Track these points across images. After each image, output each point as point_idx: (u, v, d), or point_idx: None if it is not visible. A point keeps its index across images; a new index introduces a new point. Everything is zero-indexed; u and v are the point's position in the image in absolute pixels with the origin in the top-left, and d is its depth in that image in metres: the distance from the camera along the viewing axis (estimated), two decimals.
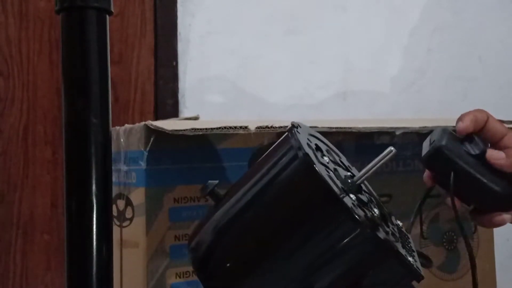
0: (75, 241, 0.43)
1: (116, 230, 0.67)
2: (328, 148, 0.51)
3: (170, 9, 1.47)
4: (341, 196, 0.41)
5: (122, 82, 1.43)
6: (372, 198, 0.51)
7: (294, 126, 0.46)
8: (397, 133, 0.81)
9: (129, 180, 0.67)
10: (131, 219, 0.66)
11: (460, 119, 0.56)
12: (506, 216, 0.56)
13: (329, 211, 0.41)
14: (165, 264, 0.64)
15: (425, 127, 0.80)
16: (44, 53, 1.38)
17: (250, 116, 1.45)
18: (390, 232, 0.44)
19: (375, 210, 0.46)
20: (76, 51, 0.44)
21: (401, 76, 1.59)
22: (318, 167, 0.41)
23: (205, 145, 0.68)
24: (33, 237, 1.37)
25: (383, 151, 0.48)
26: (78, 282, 0.43)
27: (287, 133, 0.45)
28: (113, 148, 0.60)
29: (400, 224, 0.53)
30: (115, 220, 0.68)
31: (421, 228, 0.82)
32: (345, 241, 0.40)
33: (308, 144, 0.45)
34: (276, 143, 0.46)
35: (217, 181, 0.46)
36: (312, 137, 0.50)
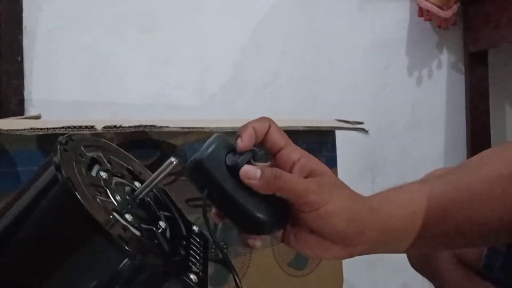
0: None
1: None
2: (112, 158, 0.50)
3: (14, 1, 1.38)
4: (109, 224, 0.38)
5: None
6: (168, 208, 0.51)
7: (61, 142, 0.43)
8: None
9: None
10: None
11: (239, 134, 0.54)
12: (257, 242, 0.54)
13: (94, 241, 0.38)
14: None
15: None
16: None
17: (104, 115, 1.41)
18: (169, 250, 0.43)
19: (161, 224, 0.45)
20: None
21: (257, 77, 1.65)
22: (81, 193, 0.38)
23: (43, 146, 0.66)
24: None
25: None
26: None
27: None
28: None
29: (196, 230, 0.53)
30: None
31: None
32: (116, 271, 0.38)
33: (77, 160, 0.42)
34: (46, 159, 0.42)
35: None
36: (91, 147, 0.48)
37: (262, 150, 0.57)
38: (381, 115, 1.81)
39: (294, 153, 0.55)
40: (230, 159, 0.52)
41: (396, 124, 1.85)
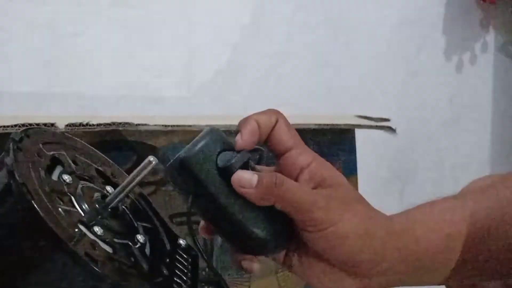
0: None
1: None
2: (77, 157, 0.50)
3: None
4: (73, 239, 0.39)
5: None
6: (148, 217, 0.52)
7: (14, 140, 0.43)
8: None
9: None
10: None
11: (239, 128, 0.53)
12: (254, 265, 0.54)
13: (56, 260, 0.38)
14: None
15: None
16: None
17: (67, 110, 1.41)
18: (149, 269, 0.43)
19: (139, 237, 0.46)
20: None
21: (257, 62, 1.64)
22: (39, 202, 0.38)
23: None
24: None
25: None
26: None
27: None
28: None
29: (183, 244, 0.54)
30: None
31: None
32: None
33: (35, 161, 0.42)
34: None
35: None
36: (52, 145, 0.48)
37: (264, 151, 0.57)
38: (411, 110, 1.81)
39: (303, 156, 0.55)
40: (222, 159, 0.52)
41: (430, 121, 1.85)
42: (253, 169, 0.53)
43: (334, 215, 0.52)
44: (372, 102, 1.74)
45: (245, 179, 0.51)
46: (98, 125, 0.85)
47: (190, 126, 0.95)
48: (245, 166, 0.52)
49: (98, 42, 1.48)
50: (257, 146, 0.54)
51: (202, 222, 0.54)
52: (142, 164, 0.47)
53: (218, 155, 0.52)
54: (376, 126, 1.28)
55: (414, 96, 1.83)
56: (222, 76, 1.61)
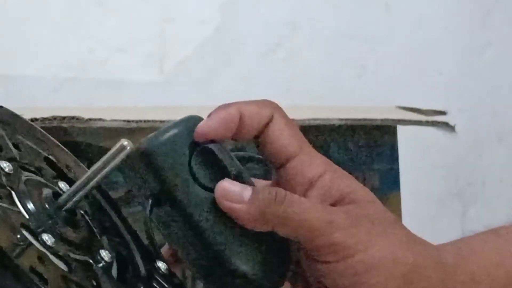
0: None
1: None
2: (21, 140, 0.52)
3: None
4: (15, 249, 0.40)
5: None
6: (115, 229, 0.53)
7: None
8: None
9: None
10: None
11: (211, 113, 0.54)
12: None
13: None
14: None
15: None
16: None
17: None
18: None
19: (103, 254, 0.47)
20: None
21: (259, 33, 1.65)
22: None
23: None
24: None
25: None
26: None
27: None
28: None
29: (163, 268, 0.55)
30: None
31: None
32: None
33: None
34: None
35: None
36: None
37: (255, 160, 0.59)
38: (477, 99, 1.82)
39: (312, 165, 0.56)
40: (198, 159, 0.53)
41: (504, 115, 1.85)
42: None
43: (361, 238, 0.53)
44: (421, 89, 1.74)
45: (234, 191, 0.52)
46: (33, 120, 0.85)
47: (162, 121, 0.95)
48: (235, 176, 0.53)
49: (34, 4, 1.48)
50: (258, 156, 0.56)
51: (166, 245, 0.56)
52: (112, 151, 0.48)
53: (193, 151, 0.53)
54: (427, 122, 1.29)
55: (480, 81, 1.83)
56: (208, 52, 1.62)
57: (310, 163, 0.56)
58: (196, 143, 0.53)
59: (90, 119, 0.89)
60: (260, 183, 0.57)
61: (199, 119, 0.54)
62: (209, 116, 0.54)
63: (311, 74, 1.68)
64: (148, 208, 0.51)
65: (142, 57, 1.57)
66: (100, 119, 0.90)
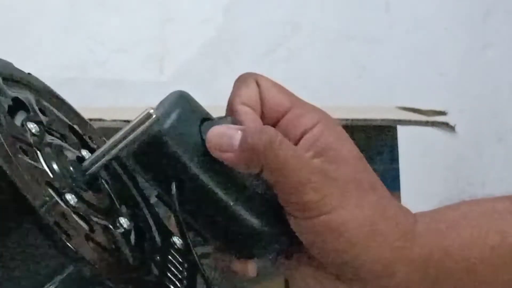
0: None
1: None
2: (47, 107, 0.53)
3: None
4: (42, 203, 0.40)
5: None
6: (134, 200, 0.53)
7: None
8: None
9: None
10: None
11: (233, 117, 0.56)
12: (250, 265, 0.56)
13: (20, 226, 0.40)
14: None
15: None
16: None
17: None
18: (135, 263, 0.46)
19: (123, 221, 0.47)
20: None
21: (260, 33, 1.65)
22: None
23: None
24: None
25: None
26: None
27: None
28: None
29: (179, 244, 0.56)
30: None
31: None
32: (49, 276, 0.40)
33: None
34: None
35: None
36: (16, 84, 0.51)
37: None
38: (477, 100, 1.81)
39: (305, 117, 0.57)
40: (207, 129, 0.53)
41: (504, 115, 1.85)
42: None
43: (331, 200, 0.53)
44: (421, 89, 1.74)
45: (225, 134, 0.53)
46: None
47: None
48: None
49: (34, 3, 1.48)
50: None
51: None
52: (138, 118, 0.48)
53: (200, 125, 0.54)
54: (427, 122, 1.28)
55: (480, 80, 1.83)
56: (209, 52, 1.61)
57: (302, 115, 0.57)
58: (204, 119, 0.54)
59: (90, 119, 0.89)
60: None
61: (188, 94, 0.56)
62: (238, 127, 0.54)
63: (311, 74, 1.68)
64: (174, 197, 0.51)
65: (142, 57, 1.57)
66: (100, 119, 0.90)
